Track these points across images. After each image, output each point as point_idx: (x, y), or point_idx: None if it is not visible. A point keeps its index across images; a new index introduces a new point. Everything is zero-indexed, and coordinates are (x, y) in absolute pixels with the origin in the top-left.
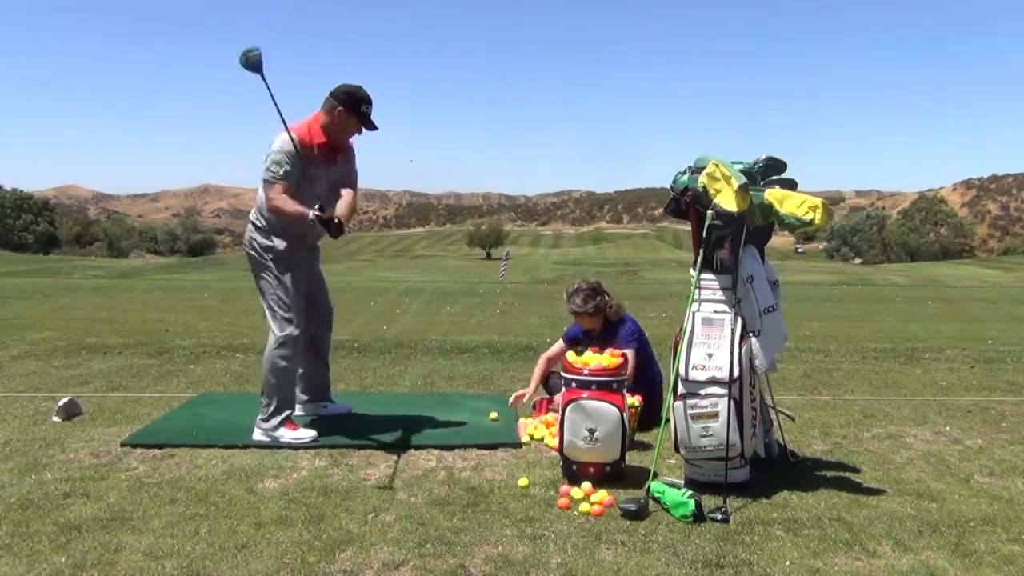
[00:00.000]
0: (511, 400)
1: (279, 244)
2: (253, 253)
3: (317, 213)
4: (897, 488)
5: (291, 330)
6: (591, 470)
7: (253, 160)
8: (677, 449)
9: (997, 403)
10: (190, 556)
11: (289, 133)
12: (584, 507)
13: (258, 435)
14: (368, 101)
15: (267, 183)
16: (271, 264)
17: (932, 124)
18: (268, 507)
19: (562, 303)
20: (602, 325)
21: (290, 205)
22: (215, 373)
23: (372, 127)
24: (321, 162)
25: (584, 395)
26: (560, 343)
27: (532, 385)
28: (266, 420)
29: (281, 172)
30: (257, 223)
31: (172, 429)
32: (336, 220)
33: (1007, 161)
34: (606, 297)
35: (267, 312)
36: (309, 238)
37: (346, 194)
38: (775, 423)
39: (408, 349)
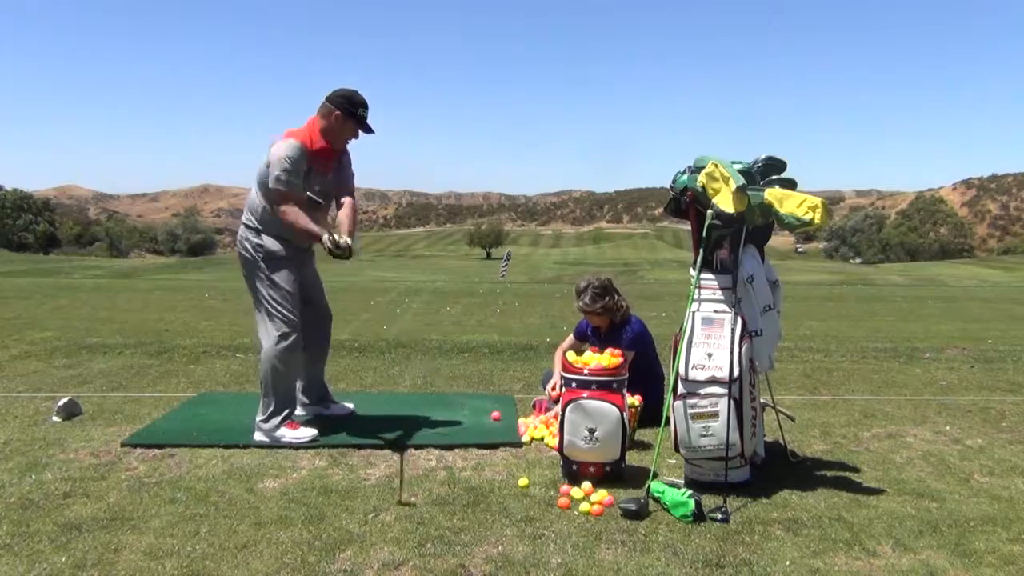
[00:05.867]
0: (549, 391)
1: (271, 244)
2: (245, 254)
3: (330, 241)
4: (897, 488)
5: (287, 329)
6: (591, 470)
7: (253, 160)
8: (677, 449)
9: (997, 403)
10: (190, 556)
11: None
12: (584, 507)
13: (259, 436)
14: (364, 105)
15: (278, 193)
16: (263, 264)
17: (932, 124)
18: (268, 507)
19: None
20: (608, 325)
21: (304, 220)
22: (215, 373)
23: (369, 131)
24: (320, 167)
25: (584, 395)
26: (571, 337)
27: (556, 376)
28: (266, 421)
29: (294, 182)
30: (249, 223)
31: (172, 429)
32: (347, 246)
33: (1007, 161)
34: (616, 297)
35: (262, 313)
36: (302, 240)
37: (347, 205)
38: (774, 423)
39: (408, 349)
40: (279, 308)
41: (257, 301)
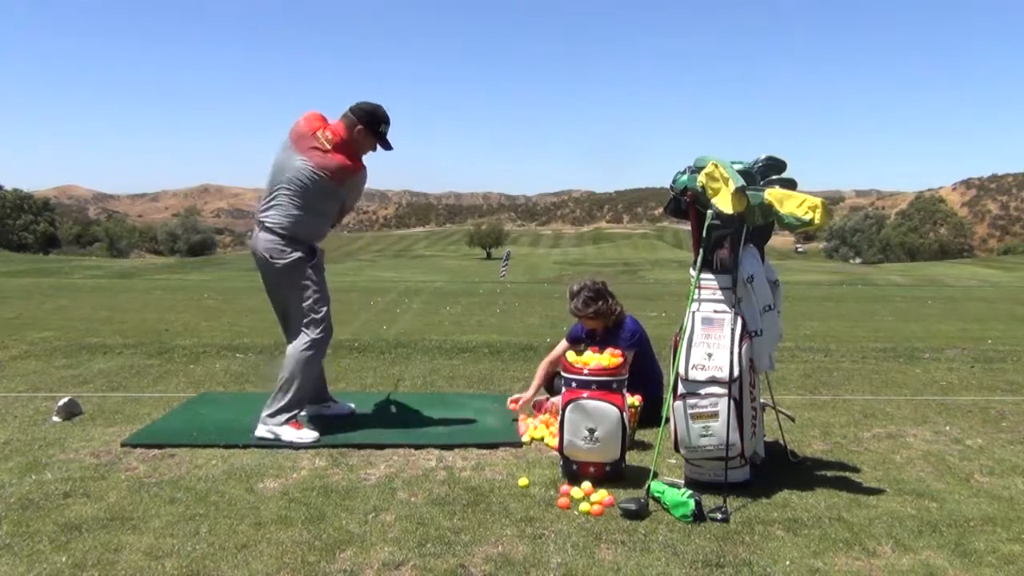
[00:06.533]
0: (509, 403)
1: (304, 250)
2: (282, 260)
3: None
4: (897, 488)
5: (325, 333)
6: (591, 470)
7: (253, 160)
8: (677, 449)
9: (997, 403)
10: (190, 556)
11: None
12: (584, 507)
13: (261, 431)
14: (387, 121)
15: (321, 152)
16: (307, 269)
17: (932, 124)
18: (268, 507)
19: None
20: (603, 327)
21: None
22: (215, 373)
23: (388, 147)
24: (340, 180)
25: (584, 395)
26: (563, 343)
27: (531, 389)
28: (272, 415)
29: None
30: (282, 232)
31: (172, 429)
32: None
33: (1007, 161)
34: (609, 301)
35: (301, 315)
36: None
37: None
38: (776, 424)
39: (408, 349)
40: (319, 310)
41: (295, 304)
